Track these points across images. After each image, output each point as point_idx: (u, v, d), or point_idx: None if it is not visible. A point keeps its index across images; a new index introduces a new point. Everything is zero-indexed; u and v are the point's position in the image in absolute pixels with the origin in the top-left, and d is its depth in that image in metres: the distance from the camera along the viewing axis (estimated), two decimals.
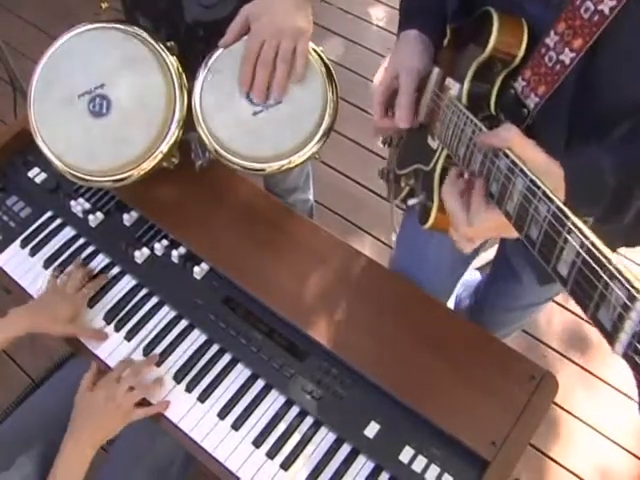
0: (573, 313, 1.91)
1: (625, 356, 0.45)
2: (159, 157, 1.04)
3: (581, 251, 0.49)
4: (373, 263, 1.11)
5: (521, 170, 0.60)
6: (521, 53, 0.74)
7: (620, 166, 0.67)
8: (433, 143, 0.87)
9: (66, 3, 2.54)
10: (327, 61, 1.06)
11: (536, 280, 1.05)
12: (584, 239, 0.50)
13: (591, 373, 1.84)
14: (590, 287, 0.48)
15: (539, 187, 0.57)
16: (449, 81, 0.83)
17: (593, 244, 0.48)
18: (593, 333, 1.89)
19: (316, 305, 1.05)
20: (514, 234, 0.63)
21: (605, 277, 0.46)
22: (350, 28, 2.57)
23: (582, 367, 1.85)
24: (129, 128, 1.03)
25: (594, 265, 0.48)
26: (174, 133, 1.04)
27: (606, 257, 0.47)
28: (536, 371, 0.98)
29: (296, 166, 1.05)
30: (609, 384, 1.82)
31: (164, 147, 1.04)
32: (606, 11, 0.63)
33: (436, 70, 0.87)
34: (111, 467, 1.09)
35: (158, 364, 1.04)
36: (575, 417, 1.77)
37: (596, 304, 0.47)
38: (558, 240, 0.53)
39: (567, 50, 0.68)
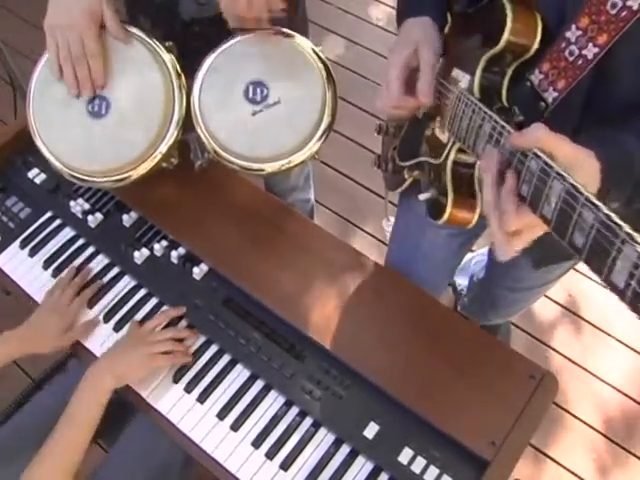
0: (574, 313, 1.91)
1: None
2: (158, 158, 1.04)
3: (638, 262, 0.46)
4: (372, 263, 1.11)
5: (558, 173, 0.56)
6: (536, 45, 0.72)
7: None
8: (442, 136, 0.83)
9: None
10: (326, 61, 1.06)
11: (531, 264, 1.03)
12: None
13: (591, 373, 1.84)
14: None
15: (582, 193, 0.53)
16: (457, 72, 0.80)
17: None
18: (594, 333, 1.89)
19: (316, 306, 1.05)
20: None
21: None
22: (350, 28, 2.57)
23: (582, 367, 1.85)
24: (128, 129, 1.03)
25: None
26: (173, 133, 1.04)
27: None
28: (536, 371, 0.98)
29: (295, 166, 1.05)
30: (609, 384, 1.82)
31: (163, 148, 1.04)
32: (635, 7, 0.62)
33: (440, 59, 0.83)
34: (110, 468, 1.09)
35: None
36: (575, 417, 1.77)
37: None
38: (611, 250, 0.49)
39: (591, 45, 0.67)
